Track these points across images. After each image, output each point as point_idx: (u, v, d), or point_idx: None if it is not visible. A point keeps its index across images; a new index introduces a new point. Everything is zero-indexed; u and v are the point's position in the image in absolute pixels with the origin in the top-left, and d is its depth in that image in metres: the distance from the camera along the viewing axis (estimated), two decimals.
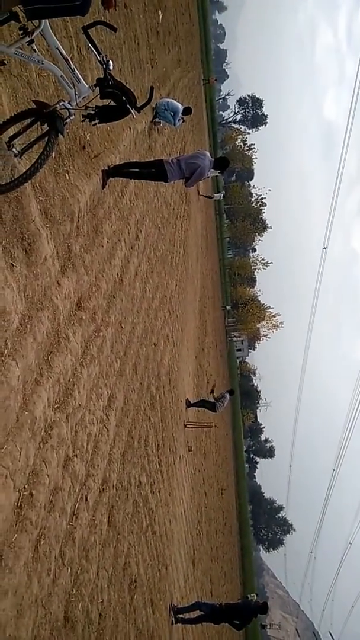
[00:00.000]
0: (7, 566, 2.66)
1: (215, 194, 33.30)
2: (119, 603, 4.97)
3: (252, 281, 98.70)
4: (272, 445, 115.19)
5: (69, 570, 3.66)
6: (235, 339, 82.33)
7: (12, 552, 2.74)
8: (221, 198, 39.58)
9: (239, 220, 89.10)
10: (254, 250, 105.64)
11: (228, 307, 68.94)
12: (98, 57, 3.25)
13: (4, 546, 2.68)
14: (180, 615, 8.13)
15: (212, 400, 14.37)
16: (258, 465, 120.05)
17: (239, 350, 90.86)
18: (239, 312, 79.12)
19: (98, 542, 4.42)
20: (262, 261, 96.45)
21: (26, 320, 3.21)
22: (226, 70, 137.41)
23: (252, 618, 8.99)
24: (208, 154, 6.34)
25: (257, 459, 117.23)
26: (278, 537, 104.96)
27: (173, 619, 7.76)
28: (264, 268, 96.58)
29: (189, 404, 13.23)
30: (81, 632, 3.80)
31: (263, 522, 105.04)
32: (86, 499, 4.21)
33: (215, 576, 17.26)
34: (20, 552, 2.81)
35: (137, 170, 6.12)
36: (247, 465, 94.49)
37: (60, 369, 3.73)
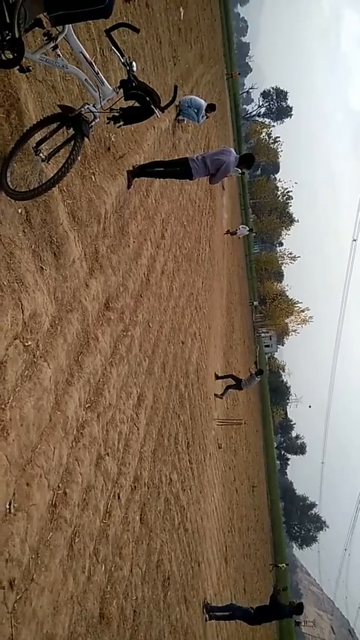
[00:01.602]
0: (43, 564, 2.72)
1: (240, 227, 27.72)
2: (152, 600, 5.02)
3: (279, 276, 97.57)
4: (303, 442, 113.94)
5: (103, 568, 3.71)
6: (263, 334, 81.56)
7: (48, 550, 2.79)
8: (247, 233, 32.15)
9: (265, 215, 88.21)
10: (281, 244, 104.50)
11: (255, 303, 68.14)
12: (121, 59, 3.26)
13: (40, 544, 2.73)
14: (214, 613, 8.15)
15: (241, 377, 14.90)
16: (289, 462, 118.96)
17: (267, 346, 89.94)
18: (266, 307, 78.32)
19: (131, 539, 4.47)
20: (289, 255, 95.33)
21: (56, 322, 3.27)
22: (249, 63, 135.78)
23: (286, 617, 8.95)
24: (233, 150, 6.29)
25: (288, 456, 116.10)
26: (311, 534, 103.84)
27: (207, 616, 7.79)
28: (291, 262, 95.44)
29: (217, 377, 13.99)
30: (116, 629, 3.85)
31: (295, 519, 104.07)
32: (118, 497, 4.26)
33: (248, 573, 17.21)
34: (55, 550, 2.87)
35: (161, 169, 6.13)
36: (278, 462, 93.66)
37: (91, 369, 3.78)
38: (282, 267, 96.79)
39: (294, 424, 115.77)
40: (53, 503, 2.95)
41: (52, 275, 3.25)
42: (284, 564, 36.22)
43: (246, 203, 72.57)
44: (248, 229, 29.90)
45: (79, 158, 3.04)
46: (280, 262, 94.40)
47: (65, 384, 3.34)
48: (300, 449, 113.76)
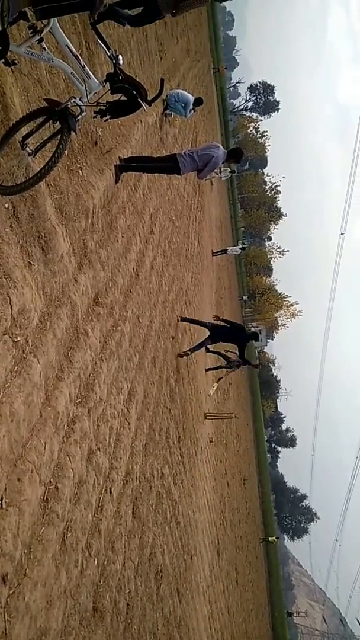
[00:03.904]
0: (36, 558, 2.73)
1: (229, 248, 25.27)
2: (145, 593, 5.04)
3: (268, 270, 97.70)
4: (293, 435, 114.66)
5: (96, 562, 3.72)
6: (253, 329, 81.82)
7: (40, 545, 2.80)
8: (239, 252, 30.69)
9: (253, 210, 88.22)
10: (270, 239, 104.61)
11: (245, 298, 68.23)
12: (107, 52, 3.24)
13: (32, 539, 2.74)
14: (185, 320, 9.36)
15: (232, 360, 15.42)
16: (280, 455, 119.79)
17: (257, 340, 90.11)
18: (256, 302, 78.48)
19: (123, 533, 4.48)
20: (278, 249, 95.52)
21: (45, 318, 3.26)
22: (236, 57, 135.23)
23: (247, 342, 10.45)
24: (221, 146, 6.31)
25: (279, 449, 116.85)
26: (302, 525, 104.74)
27: (179, 318, 9.16)
28: (280, 257, 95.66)
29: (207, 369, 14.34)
30: (110, 622, 3.87)
31: (287, 511, 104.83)
32: (110, 491, 4.27)
33: (240, 565, 17.35)
34: (48, 545, 2.87)
35: (149, 164, 6.12)
36: (269, 455, 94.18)
37: (81, 365, 3.78)
38: (271, 262, 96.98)
39: (284, 417, 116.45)
40: (45, 498, 2.96)
41: (40, 271, 3.24)
42: (275, 538, 37.79)
43: (234, 198, 72.56)
44: (240, 247, 29.71)
45: (65, 152, 3.03)
46: (269, 256, 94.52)
47: (56, 379, 3.34)
48: (291, 442, 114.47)
